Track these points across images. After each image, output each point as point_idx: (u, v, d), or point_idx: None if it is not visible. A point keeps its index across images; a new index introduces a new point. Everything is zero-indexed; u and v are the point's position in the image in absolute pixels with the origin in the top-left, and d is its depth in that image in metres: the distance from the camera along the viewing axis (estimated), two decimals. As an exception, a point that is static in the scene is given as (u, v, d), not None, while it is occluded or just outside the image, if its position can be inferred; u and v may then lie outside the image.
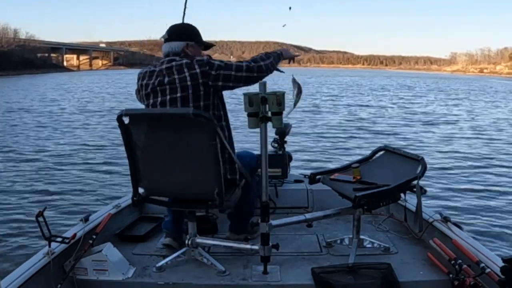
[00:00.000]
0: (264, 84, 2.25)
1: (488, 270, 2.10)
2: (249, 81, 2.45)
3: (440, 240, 2.56)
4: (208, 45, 2.74)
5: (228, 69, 2.41)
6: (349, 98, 26.50)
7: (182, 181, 2.40)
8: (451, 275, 2.23)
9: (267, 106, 2.20)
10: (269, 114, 2.23)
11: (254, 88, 2.32)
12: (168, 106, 2.43)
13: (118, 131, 2.35)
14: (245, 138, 7.84)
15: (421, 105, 22.49)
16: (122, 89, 33.38)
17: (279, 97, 2.18)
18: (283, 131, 3.64)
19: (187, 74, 2.39)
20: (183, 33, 2.60)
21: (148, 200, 2.54)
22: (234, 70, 2.42)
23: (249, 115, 2.22)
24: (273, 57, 2.56)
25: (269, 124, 2.26)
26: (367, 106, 21.63)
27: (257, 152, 2.71)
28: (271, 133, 3.03)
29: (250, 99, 2.18)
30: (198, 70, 2.38)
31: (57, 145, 10.70)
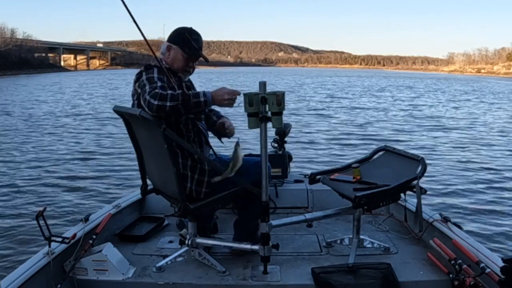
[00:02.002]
0: (264, 84, 2.25)
1: (488, 270, 2.11)
2: (157, 118, 2.24)
3: (440, 240, 2.56)
4: (196, 55, 2.57)
5: (141, 95, 2.29)
6: (348, 99, 26.48)
7: (163, 178, 2.52)
8: (451, 275, 2.23)
9: (267, 106, 2.20)
10: (269, 114, 2.23)
11: (254, 88, 2.32)
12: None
13: (116, 132, 2.38)
14: (245, 138, 7.84)
15: (422, 106, 22.44)
16: (113, 90, 33.34)
17: (279, 97, 2.18)
18: (283, 131, 3.65)
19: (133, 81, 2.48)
20: (173, 33, 2.60)
21: (156, 192, 2.68)
22: (141, 96, 2.28)
23: (249, 115, 2.22)
24: (194, 103, 2.24)
25: (269, 124, 2.26)
26: (367, 106, 21.61)
27: (257, 152, 2.71)
28: (271, 133, 3.03)
29: (250, 99, 2.18)
30: (134, 78, 2.45)
31: (56, 145, 10.67)
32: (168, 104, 2.18)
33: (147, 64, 2.47)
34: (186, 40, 2.53)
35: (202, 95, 2.27)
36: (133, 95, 2.48)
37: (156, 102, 2.18)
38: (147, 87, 2.27)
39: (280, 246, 2.47)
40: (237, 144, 2.41)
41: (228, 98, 2.29)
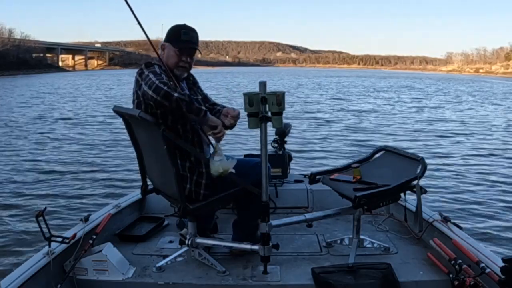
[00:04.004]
0: (264, 83, 2.24)
1: (488, 270, 2.11)
2: (158, 105, 2.24)
3: (440, 240, 2.56)
4: (186, 47, 2.53)
5: (144, 84, 2.28)
6: (348, 99, 26.45)
7: (162, 178, 2.53)
8: (451, 275, 2.23)
9: (267, 106, 2.20)
10: (269, 114, 2.23)
11: (254, 87, 2.31)
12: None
13: (116, 132, 2.37)
14: (245, 138, 7.84)
15: (422, 106, 22.43)
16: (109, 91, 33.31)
17: (279, 97, 2.17)
18: (283, 131, 3.65)
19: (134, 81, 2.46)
20: (166, 32, 2.58)
21: (156, 192, 2.69)
22: (146, 84, 2.26)
23: (249, 115, 2.22)
24: (195, 108, 2.30)
25: (269, 124, 2.26)
26: (366, 107, 21.58)
27: (257, 152, 2.71)
28: (271, 133, 3.03)
29: (250, 99, 2.18)
30: (135, 78, 2.44)
31: (56, 145, 10.66)
32: (176, 94, 2.19)
33: (147, 62, 2.45)
34: (177, 35, 2.52)
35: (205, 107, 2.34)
36: (134, 94, 2.47)
37: (165, 88, 2.19)
38: (152, 76, 2.27)
39: (280, 246, 2.47)
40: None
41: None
